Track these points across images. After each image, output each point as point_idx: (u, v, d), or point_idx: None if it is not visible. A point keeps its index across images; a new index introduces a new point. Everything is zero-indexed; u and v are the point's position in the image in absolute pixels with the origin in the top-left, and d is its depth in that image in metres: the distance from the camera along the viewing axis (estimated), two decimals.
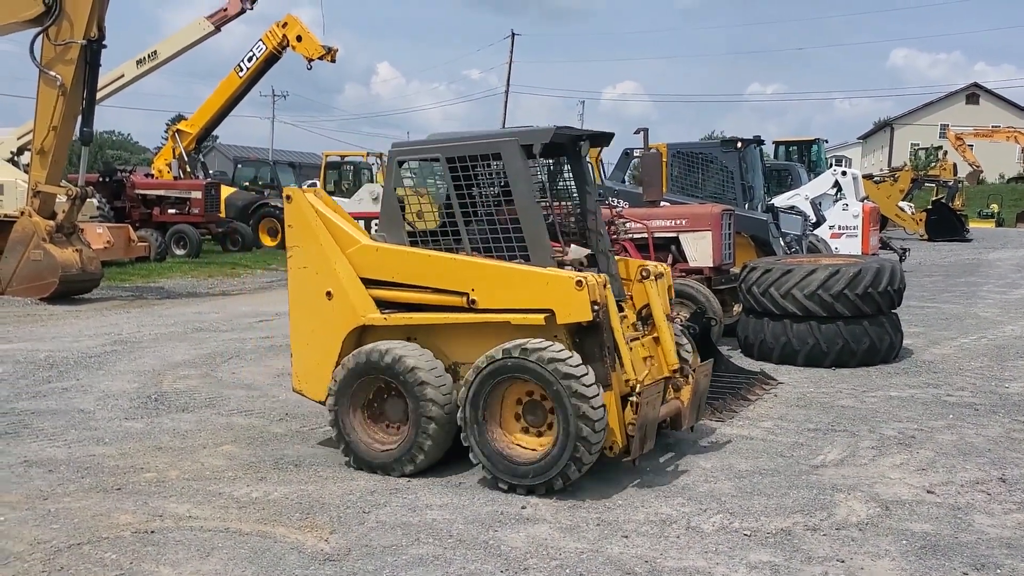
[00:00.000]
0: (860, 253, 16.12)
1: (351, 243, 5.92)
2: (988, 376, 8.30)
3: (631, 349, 5.55)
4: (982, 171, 58.86)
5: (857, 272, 8.78)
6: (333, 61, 22.70)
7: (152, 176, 25.16)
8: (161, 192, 22.61)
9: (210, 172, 28.23)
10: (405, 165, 6.06)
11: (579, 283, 5.24)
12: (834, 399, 7.45)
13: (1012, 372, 8.47)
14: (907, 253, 19.34)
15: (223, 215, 23.76)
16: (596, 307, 5.22)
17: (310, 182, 34.29)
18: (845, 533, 4.55)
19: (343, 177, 31.31)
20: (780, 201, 16.62)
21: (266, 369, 8.77)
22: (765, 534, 4.54)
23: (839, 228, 17.21)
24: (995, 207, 47.67)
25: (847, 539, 4.47)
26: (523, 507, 4.94)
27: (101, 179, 21.73)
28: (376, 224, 6.28)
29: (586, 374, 5.06)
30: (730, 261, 10.42)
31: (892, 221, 28.26)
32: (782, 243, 13.15)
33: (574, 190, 6.32)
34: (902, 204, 30.08)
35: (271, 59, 23.13)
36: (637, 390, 5.29)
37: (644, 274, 6.03)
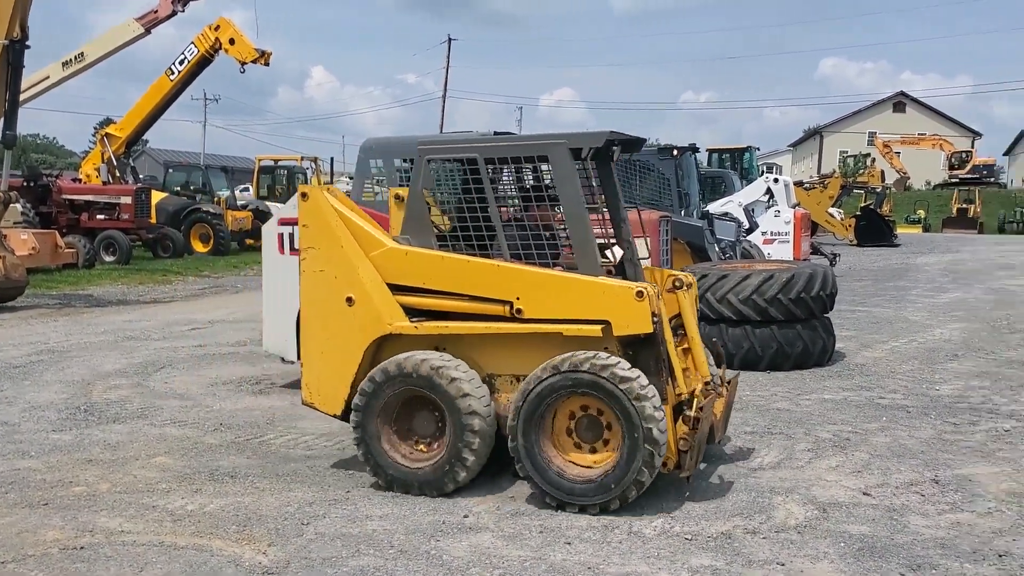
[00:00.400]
0: (792, 258, 16.42)
1: (376, 245, 5.53)
2: (919, 379, 8.50)
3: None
4: (909, 178, 60.59)
5: (790, 277, 8.92)
6: (267, 64, 22.40)
7: (79, 181, 24.52)
8: (89, 197, 22.02)
9: (140, 177, 27.60)
10: (431, 165, 5.71)
11: (640, 293, 5.05)
12: (769, 402, 7.55)
13: (942, 375, 8.68)
14: (838, 258, 19.78)
15: (154, 221, 23.26)
16: (655, 319, 5.07)
17: (243, 187, 33.79)
18: (784, 536, 4.59)
19: (276, 182, 30.85)
20: (714, 208, 16.88)
21: (200, 378, 8.58)
22: (706, 538, 4.56)
23: (772, 234, 17.52)
24: (922, 213, 49.04)
25: (786, 542, 4.51)
26: (465, 516, 4.89)
27: (25, 184, 21.08)
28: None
29: (655, 396, 4.87)
30: (667, 267, 10.52)
31: (822, 227, 28.86)
32: (717, 249, 13.34)
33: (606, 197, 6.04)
34: (832, 210, 30.73)
35: (203, 62, 22.74)
36: (698, 405, 5.14)
37: (677, 284, 5.76)
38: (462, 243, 5.57)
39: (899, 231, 38.08)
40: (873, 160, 54.83)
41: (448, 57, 57.51)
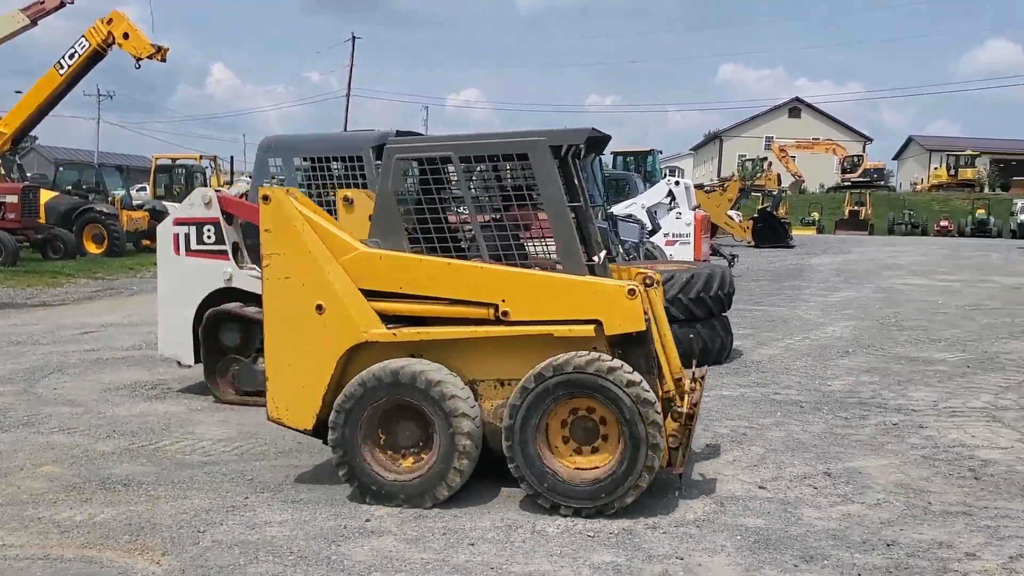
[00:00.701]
0: (693, 259, 16.77)
1: (346, 249, 5.27)
2: (812, 375, 8.77)
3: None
4: (804, 181, 62.59)
5: (690, 277, 9.10)
6: (163, 60, 21.71)
7: None
8: None
9: (27, 175, 26.48)
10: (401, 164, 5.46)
11: (632, 291, 5.01)
12: None
13: (834, 371, 8.98)
14: (736, 259, 20.28)
15: (43, 220, 22.32)
16: (647, 316, 5.07)
17: (139, 186, 32.76)
18: (684, 530, 4.67)
19: (174, 181, 29.99)
20: (618, 209, 17.11)
21: (91, 384, 8.25)
22: (608, 534, 4.61)
23: (673, 235, 17.85)
24: (816, 215, 50.73)
25: (685, 536, 4.60)
26: (367, 520, 4.83)
27: None
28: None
29: (656, 401, 4.87)
30: None
31: (722, 229, 29.59)
32: (621, 250, 13.52)
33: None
34: (731, 212, 31.53)
35: (95, 57, 21.89)
36: (691, 401, 5.25)
37: (648, 282, 5.69)
38: (437, 245, 5.39)
39: (794, 233, 39.31)
40: (770, 164, 56.39)
41: (352, 55, 56.94)
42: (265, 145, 7.79)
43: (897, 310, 13.49)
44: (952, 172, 60.15)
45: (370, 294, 5.23)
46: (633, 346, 5.13)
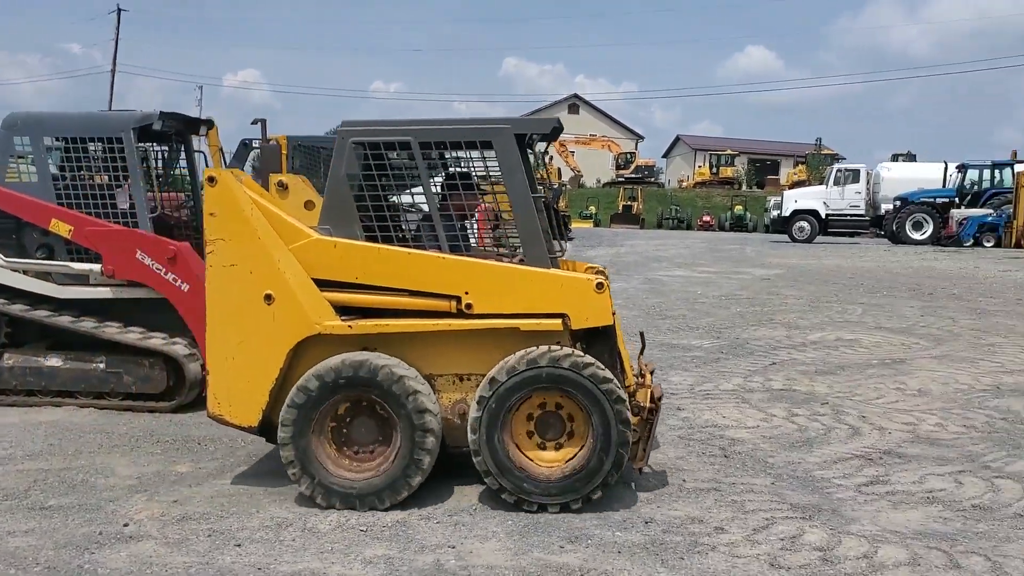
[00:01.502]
0: None
1: (298, 236, 5.03)
2: None
3: None
4: (582, 175, 65.08)
5: None
6: None
7: None
8: None
9: None
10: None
11: (599, 285, 5.01)
12: None
13: None
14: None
15: None
16: (612, 311, 5.05)
17: None
18: (457, 519, 4.74)
19: None
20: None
21: None
22: (381, 527, 4.60)
23: None
24: (593, 209, 52.90)
25: (459, 524, 4.67)
26: (125, 525, 4.57)
27: None
28: None
29: (627, 398, 4.92)
30: None
31: None
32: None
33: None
34: None
35: None
36: (657, 395, 5.22)
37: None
38: (392, 233, 5.17)
39: (573, 226, 40.82)
40: (551, 158, 58.25)
41: (118, 29, 53.48)
42: (10, 122, 7.13)
43: (661, 300, 14.32)
44: (714, 170, 64.52)
45: (322, 284, 5.03)
46: (597, 341, 5.19)
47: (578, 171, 63.16)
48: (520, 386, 4.86)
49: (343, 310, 5.06)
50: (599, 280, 5.03)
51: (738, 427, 6.78)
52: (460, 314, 5.02)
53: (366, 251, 5.07)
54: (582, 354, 4.92)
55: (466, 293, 5.01)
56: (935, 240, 31.33)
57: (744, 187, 65.00)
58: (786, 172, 65.59)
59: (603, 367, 4.90)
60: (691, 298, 14.61)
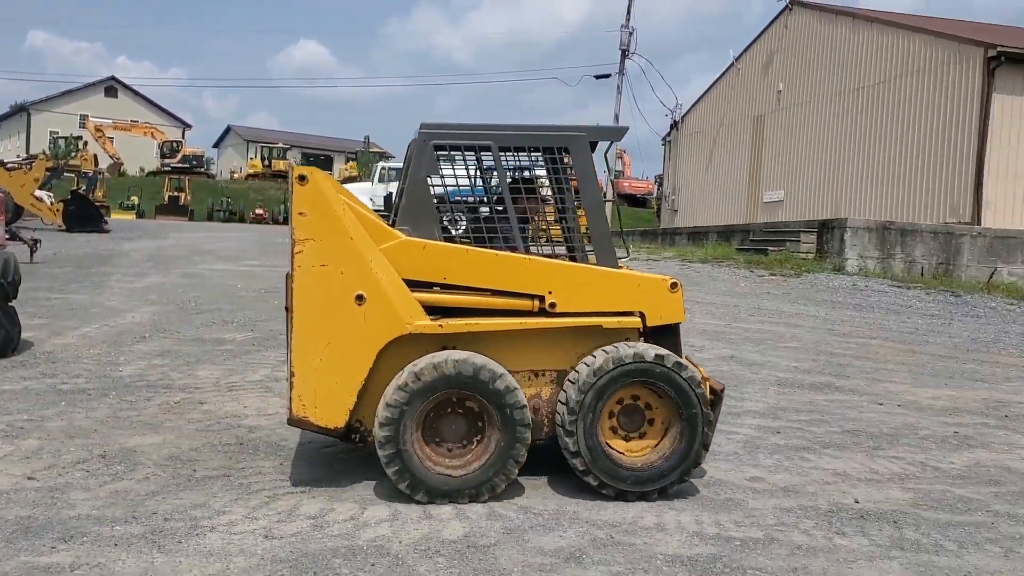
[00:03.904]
0: None
1: (387, 236, 5.10)
2: (105, 362, 8.82)
3: None
4: (123, 163, 60.96)
5: None
6: None
7: None
8: None
9: None
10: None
11: (674, 285, 5.46)
12: None
13: (127, 356, 9.14)
14: (39, 244, 19.06)
15: None
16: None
17: None
18: None
19: None
20: None
21: None
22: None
23: None
24: (136, 199, 49.82)
25: None
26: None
27: None
28: None
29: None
30: None
31: (29, 211, 27.48)
32: None
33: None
34: (40, 193, 29.46)
35: None
36: (719, 388, 5.48)
37: None
38: (471, 235, 5.36)
39: (113, 217, 38.23)
40: (86, 143, 53.85)
41: None
42: None
43: (199, 294, 14.13)
44: (266, 163, 64.18)
45: (411, 284, 5.10)
46: (664, 337, 5.51)
47: (118, 158, 59.11)
48: (611, 384, 5.15)
49: (431, 310, 5.19)
50: (673, 280, 5.50)
51: (258, 415, 7.07)
52: (543, 312, 5.29)
53: (455, 252, 5.24)
54: (664, 349, 5.26)
55: (549, 292, 5.28)
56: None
57: None
58: (339, 168, 67.29)
59: (686, 360, 5.33)
60: (231, 292, 14.60)
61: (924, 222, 22.71)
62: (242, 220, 50.38)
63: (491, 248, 5.35)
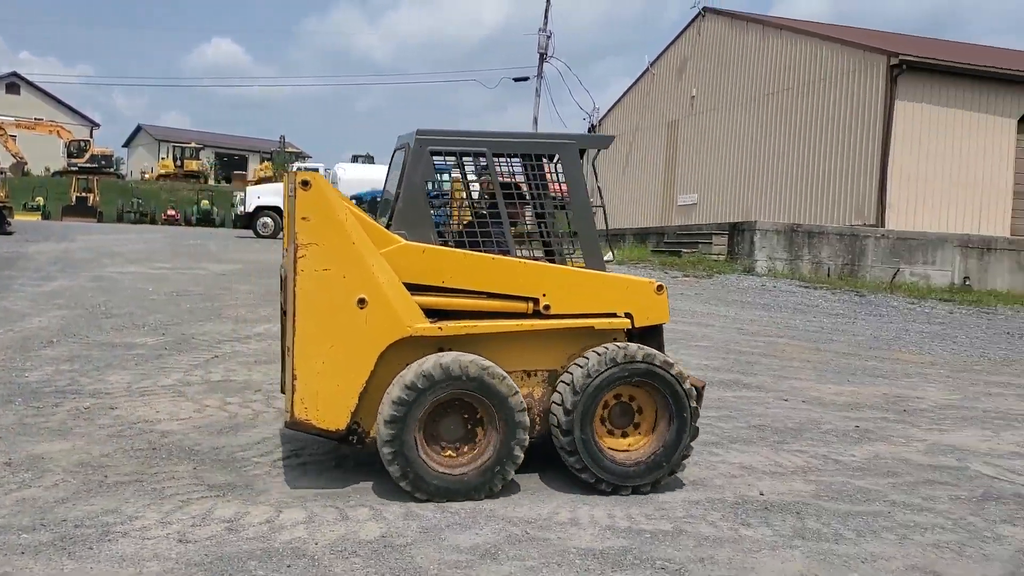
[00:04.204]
0: None
1: (388, 241, 5.23)
2: (10, 367, 8.57)
3: None
4: (27, 163, 58.86)
5: None
6: None
7: None
8: None
9: None
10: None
11: (660, 288, 5.70)
12: None
13: (34, 362, 8.89)
14: None
15: None
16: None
17: None
18: None
19: None
20: None
21: None
22: None
23: None
24: (41, 200, 48.18)
25: None
26: None
27: None
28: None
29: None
30: None
31: None
32: None
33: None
34: None
35: None
36: (700, 385, 5.78)
37: None
38: (466, 239, 5.56)
39: (17, 218, 36.84)
40: None
41: None
42: None
43: (109, 298, 13.79)
44: (178, 163, 62.76)
45: (409, 287, 5.22)
46: (649, 336, 5.74)
47: (21, 157, 57.04)
48: (605, 383, 5.36)
49: (429, 313, 5.31)
50: (659, 283, 5.73)
51: (170, 420, 6.97)
52: (537, 314, 5.47)
53: (452, 255, 5.39)
54: (651, 348, 5.51)
55: (543, 295, 5.46)
56: None
57: (211, 181, 64.22)
58: (254, 168, 66.15)
59: (671, 358, 5.53)
60: (141, 295, 14.28)
61: (831, 224, 23.48)
62: (153, 221, 49.14)
63: (484, 252, 5.52)
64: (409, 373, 5.12)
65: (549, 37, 40.20)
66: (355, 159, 49.61)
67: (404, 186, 5.54)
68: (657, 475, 5.51)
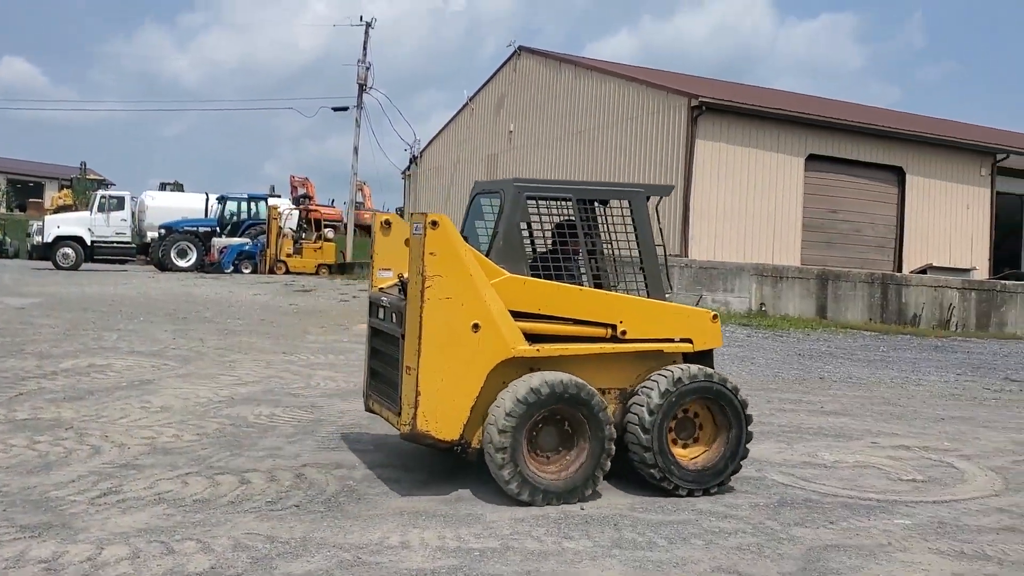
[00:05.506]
0: None
1: (496, 273, 5.93)
2: None
3: None
4: None
5: None
6: None
7: None
8: None
9: None
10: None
11: (715, 317, 6.57)
12: None
13: None
14: None
15: None
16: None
17: None
18: None
19: None
20: None
21: None
22: None
23: None
24: None
25: None
26: None
27: None
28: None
29: None
30: None
31: None
32: None
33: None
34: None
35: None
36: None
37: None
38: (552, 272, 6.36)
39: None
40: None
41: None
42: None
43: None
44: None
45: (513, 314, 5.90)
46: (702, 359, 6.51)
47: None
48: (684, 396, 6.16)
49: (527, 337, 5.98)
50: (714, 312, 6.60)
51: None
52: (614, 339, 6.22)
53: (547, 287, 6.15)
54: (713, 369, 6.34)
55: (620, 322, 6.21)
56: (199, 267, 33.05)
57: (4, 209, 59.89)
58: (51, 195, 62.26)
59: (730, 378, 6.32)
60: None
61: None
62: None
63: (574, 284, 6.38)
64: (518, 389, 5.80)
65: (368, 68, 40.33)
66: (163, 187, 47.72)
67: (504, 226, 6.40)
68: (720, 479, 6.38)
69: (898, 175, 27.60)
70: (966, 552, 5.50)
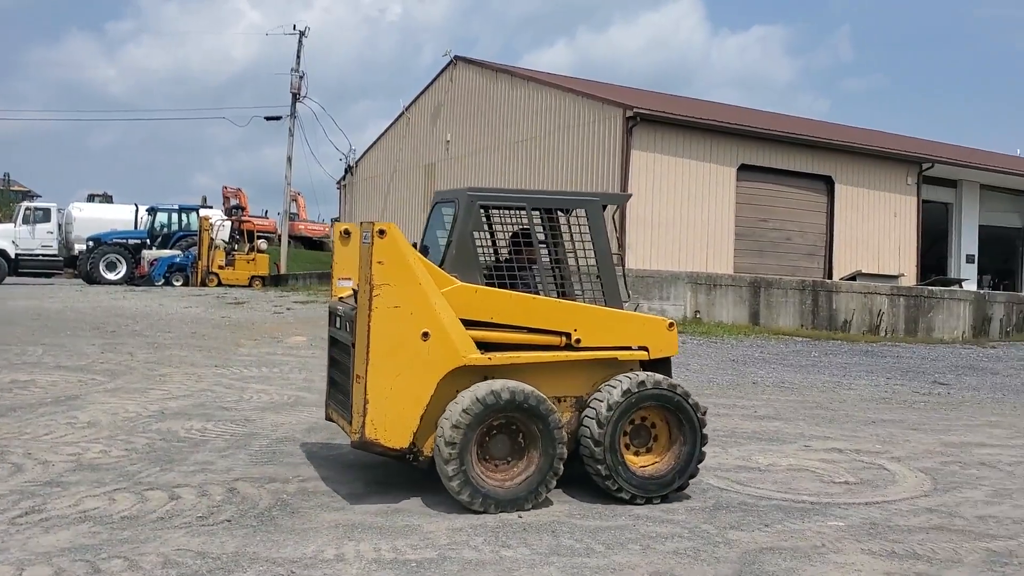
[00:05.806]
0: None
1: (446, 282, 5.93)
2: None
3: None
4: None
5: None
6: None
7: None
8: None
9: None
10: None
11: (671, 325, 6.55)
12: None
13: None
14: None
15: None
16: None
17: None
18: None
19: None
20: None
21: None
22: None
23: None
24: None
25: None
26: None
27: None
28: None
29: None
30: None
31: None
32: None
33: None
34: None
35: None
36: (703, 410, 6.49)
37: None
38: (507, 281, 6.33)
39: None
40: None
41: None
42: None
43: None
44: None
45: (464, 323, 5.87)
46: (658, 366, 6.51)
47: None
48: (636, 403, 6.15)
49: (479, 345, 5.95)
50: (671, 321, 6.59)
51: None
52: (569, 347, 6.20)
53: (499, 295, 6.13)
54: (668, 377, 6.38)
55: (575, 330, 6.19)
56: (129, 280, 32.30)
57: None
58: None
59: (684, 386, 6.30)
60: None
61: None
62: None
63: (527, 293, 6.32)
64: (465, 398, 5.79)
65: (302, 77, 39.93)
66: (91, 198, 46.63)
67: (456, 235, 6.38)
68: (669, 489, 6.35)
69: (827, 184, 28.19)
70: (897, 552, 5.61)
